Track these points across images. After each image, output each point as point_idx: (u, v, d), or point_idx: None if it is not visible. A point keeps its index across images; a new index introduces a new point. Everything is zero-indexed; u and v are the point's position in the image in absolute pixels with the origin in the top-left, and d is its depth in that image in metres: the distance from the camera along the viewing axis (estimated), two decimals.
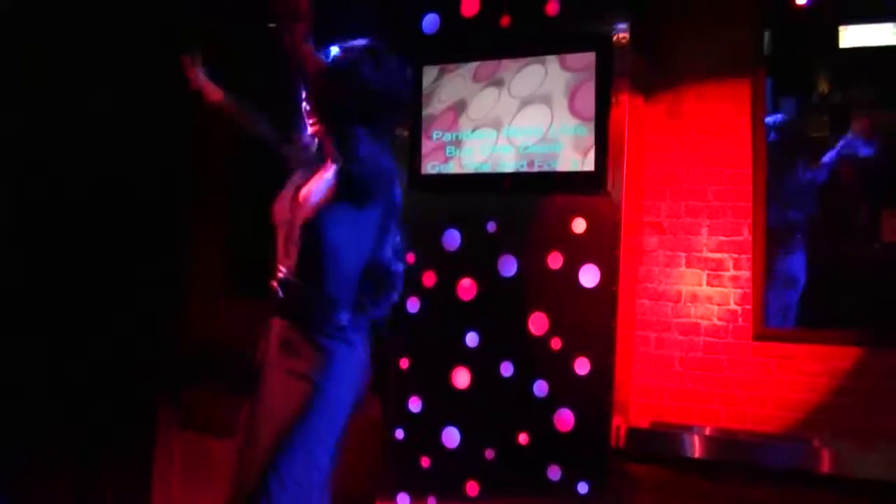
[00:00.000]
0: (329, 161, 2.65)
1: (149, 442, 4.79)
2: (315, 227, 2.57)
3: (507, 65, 4.09)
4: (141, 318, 4.70)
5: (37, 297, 4.51)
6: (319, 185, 2.57)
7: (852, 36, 4.74)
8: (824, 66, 5.16)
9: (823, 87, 5.21)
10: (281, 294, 2.62)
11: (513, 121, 4.07)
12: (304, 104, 2.72)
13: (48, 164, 4.55)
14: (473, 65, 4.15)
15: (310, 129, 2.71)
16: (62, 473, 4.60)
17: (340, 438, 2.58)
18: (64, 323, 4.54)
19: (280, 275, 2.63)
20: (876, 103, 4.86)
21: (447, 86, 4.21)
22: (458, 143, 4.18)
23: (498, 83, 4.11)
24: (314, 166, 2.70)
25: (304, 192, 2.61)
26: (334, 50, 2.68)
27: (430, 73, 4.23)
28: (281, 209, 2.71)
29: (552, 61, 3.99)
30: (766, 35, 4.19)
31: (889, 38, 4.54)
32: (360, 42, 2.70)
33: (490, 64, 4.12)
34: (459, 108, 4.18)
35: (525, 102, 4.04)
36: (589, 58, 3.91)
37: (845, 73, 5.04)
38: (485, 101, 4.13)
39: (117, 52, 4.54)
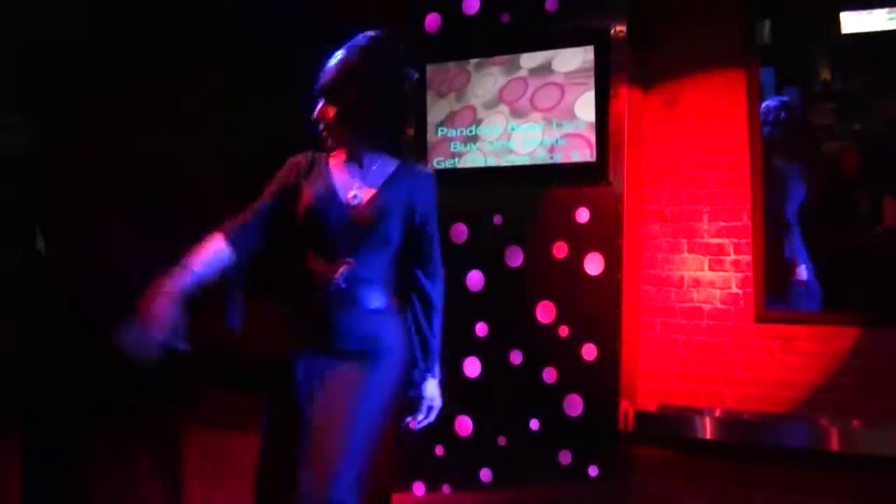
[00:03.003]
0: (346, 146, 2.80)
1: (170, 442, 4.86)
2: (379, 223, 2.71)
3: (521, 107, 4.17)
4: None
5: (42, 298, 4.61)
6: (369, 181, 2.75)
7: (853, 22, 4.75)
8: (826, 53, 5.18)
9: (826, 74, 5.23)
10: (343, 285, 2.72)
11: (515, 118, 4.16)
12: (322, 87, 2.79)
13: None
14: (501, 80, 4.22)
15: (322, 113, 2.79)
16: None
17: (391, 412, 2.73)
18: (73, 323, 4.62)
19: (346, 267, 2.72)
20: (879, 89, 4.88)
21: (481, 82, 4.26)
22: (462, 139, 4.29)
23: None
24: (327, 159, 2.85)
25: (353, 192, 2.74)
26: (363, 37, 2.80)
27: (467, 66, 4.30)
28: (323, 207, 2.75)
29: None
30: (767, 24, 4.24)
31: (885, 23, 4.56)
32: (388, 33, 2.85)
33: (513, 91, 4.19)
34: (474, 106, 4.27)
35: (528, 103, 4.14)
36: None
37: (848, 59, 5.05)
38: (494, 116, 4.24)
39: None
